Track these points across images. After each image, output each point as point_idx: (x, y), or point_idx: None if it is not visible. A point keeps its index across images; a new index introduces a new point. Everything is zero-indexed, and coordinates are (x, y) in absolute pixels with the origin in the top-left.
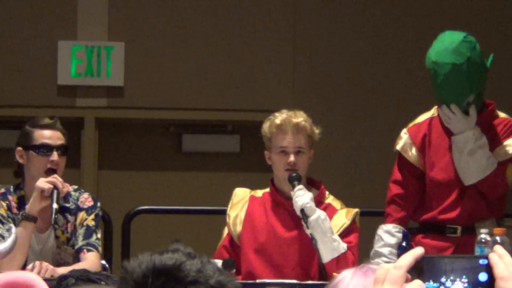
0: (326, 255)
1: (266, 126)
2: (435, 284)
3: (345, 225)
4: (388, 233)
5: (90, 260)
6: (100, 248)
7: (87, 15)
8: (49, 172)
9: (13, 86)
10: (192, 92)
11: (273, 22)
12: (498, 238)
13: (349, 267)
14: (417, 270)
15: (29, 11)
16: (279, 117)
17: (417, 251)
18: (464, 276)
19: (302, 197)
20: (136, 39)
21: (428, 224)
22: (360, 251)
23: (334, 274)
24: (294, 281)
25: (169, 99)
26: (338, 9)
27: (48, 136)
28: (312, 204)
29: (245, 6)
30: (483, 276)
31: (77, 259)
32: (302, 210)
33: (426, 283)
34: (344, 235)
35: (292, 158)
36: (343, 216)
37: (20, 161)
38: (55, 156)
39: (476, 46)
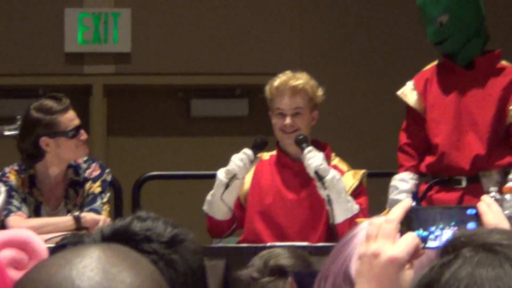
0: (340, 215)
1: (267, 88)
2: (424, 233)
3: (354, 186)
4: (402, 181)
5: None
6: (104, 212)
7: None
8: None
9: (20, 55)
10: (199, 57)
11: None
12: (507, 196)
13: None
14: (407, 222)
15: None
16: (278, 80)
17: (406, 203)
18: (453, 224)
19: (314, 158)
20: (143, 4)
21: (434, 175)
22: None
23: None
24: (304, 243)
25: (176, 64)
26: None
27: (73, 117)
28: (326, 164)
29: None
30: (471, 226)
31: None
32: (316, 172)
33: (416, 231)
34: (353, 196)
35: (288, 120)
36: (351, 177)
37: (46, 149)
38: (84, 135)
39: None
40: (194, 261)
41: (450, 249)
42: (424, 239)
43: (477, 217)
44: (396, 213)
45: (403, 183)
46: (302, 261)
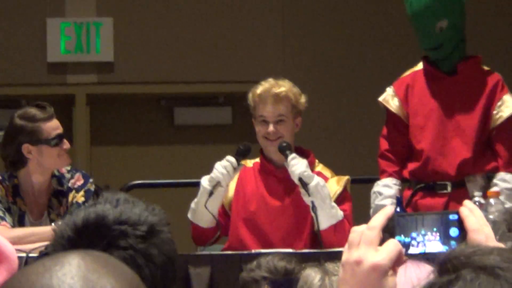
0: (325, 222)
1: (249, 96)
2: (407, 239)
3: (338, 192)
4: (386, 186)
5: None
6: None
7: None
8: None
9: (2, 65)
10: (182, 65)
11: None
12: (492, 201)
13: (345, 234)
14: (389, 229)
15: None
16: (260, 87)
17: (388, 210)
18: (435, 229)
19: (298, 165)
20: (125, 14)
21: (418, 181)
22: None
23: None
24: (289, 250)
25: (159, 73)
26: None
27: (56, 126)
28: (309, 171)
29: None
30: (454, 232)
31: None
32: (300, 179)
33: (398, 237)
34: (337, 202)
35: (271, 127)
36: (335, 184)
37: (28, 156)
38: (67, 144)
39: None
40: (170, 250)
41: (450, 268)
42: (406, 246)
43: (459, 223)
44: (378, 220)
45: (387, 189)
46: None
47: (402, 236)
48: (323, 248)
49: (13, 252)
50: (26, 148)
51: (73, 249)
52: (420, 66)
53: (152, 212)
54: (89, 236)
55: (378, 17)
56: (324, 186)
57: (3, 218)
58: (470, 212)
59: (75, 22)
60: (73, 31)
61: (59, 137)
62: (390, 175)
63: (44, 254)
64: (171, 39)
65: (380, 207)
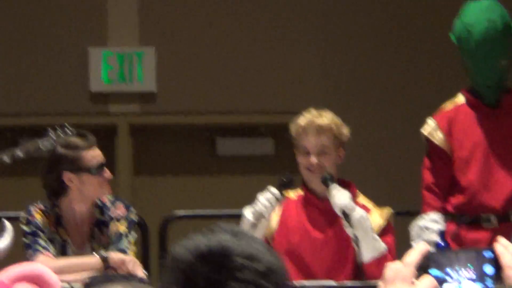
0: (367, 254)
1: (292, 127)
2: (442, 275)
3: (380, 225)
4: (433, 221)
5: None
6: (131, 252)
7: (117, 20)
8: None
9: (45, 94)
10: (224, 96)
11: (303, 25)
12: None
13: None
14: (424, 265)
15: (59, 18)
16: (303, 118)
17: (422, 247)
18: (470, 266)
19: (340, 197)
20: (167, 43)
21: (462, 214)
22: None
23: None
24: (332, 282)
25: (202, 103)
26: (365, 11)
27: (98, 154)
28: (352, 203)
29: (275, 9)
30: (489, 268)
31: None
32: (342, 211)
33: (433, 273)
34: (380, 235)
35: (313, 159)
36: (377, 216)
37: (70, 185)
38: (108, 173)
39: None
40: None
41: None
42: (441, 282)
43: (494, 259)
44: (413, 256)
45: (434, 224)
46: None
47: (438, 272)
48: (366, 280)
49: (57, 283)
50: (67, 176)
51: (192, 274)
52: (460, 97)
53: (270, 251)
54: (211, 264)
55: (420, 48)
56: (367, 218)
57: (46, 248)
58: (505, 248)
59: (117, 52)
60: (116, 60)
61: (100, 166)
62: (436, 209)
63: (87, 285)
64: (213, 69)
65: (428, 242)
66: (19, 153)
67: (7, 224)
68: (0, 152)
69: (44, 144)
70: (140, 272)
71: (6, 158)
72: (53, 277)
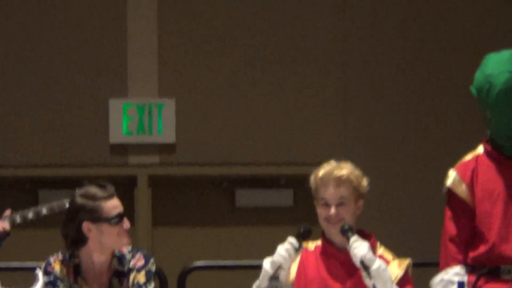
0: None
1: (311, 178)
2: None
3: (399, 276)
4: (458, 275)
5: None
6: None
7: (137, 72)
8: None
9: (65, 146)
10: (243, 147)
11: (323, 76)
12: None
13: None
14: None
15: (80, 70)
16: (322, 170)
17: None
18: None
19: (360, 248)
20: (187, 95)
21: (482, 266)
22: None
23: None
24: None
25: (221, 154)
26: (384, 63)
27: (117, 205)
28: (371, 254)
29: (295, 60)
30: None
31: None
32: (362, 262)
33: None
34: (399, 286)
35: (332, 210)
36: (396, 267)
37: (89, 235)
38: (127, 223)
39: None
40: None
41: None
42: None
43: None
44: None
45: (457, 277)
46: None
47: None
48: None
49: None
50: (86, 226)
51: None
52: (480, 149)
53: None
54: None
55: (441, 97)
56: (386, 270)
57: None
58: None
59: (137, 103)
60: (135, 112)
61: (120, 216)
62: (460, 263)
63: None
64: (232, 121)
65: None
66: (43, 210)
67: (40, 275)
68: (25, 208)
69: (69, 203)
70: None
71: (30, 215)
72: None
